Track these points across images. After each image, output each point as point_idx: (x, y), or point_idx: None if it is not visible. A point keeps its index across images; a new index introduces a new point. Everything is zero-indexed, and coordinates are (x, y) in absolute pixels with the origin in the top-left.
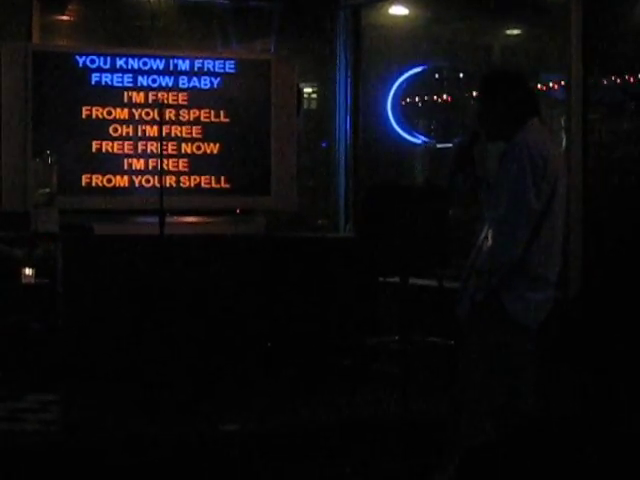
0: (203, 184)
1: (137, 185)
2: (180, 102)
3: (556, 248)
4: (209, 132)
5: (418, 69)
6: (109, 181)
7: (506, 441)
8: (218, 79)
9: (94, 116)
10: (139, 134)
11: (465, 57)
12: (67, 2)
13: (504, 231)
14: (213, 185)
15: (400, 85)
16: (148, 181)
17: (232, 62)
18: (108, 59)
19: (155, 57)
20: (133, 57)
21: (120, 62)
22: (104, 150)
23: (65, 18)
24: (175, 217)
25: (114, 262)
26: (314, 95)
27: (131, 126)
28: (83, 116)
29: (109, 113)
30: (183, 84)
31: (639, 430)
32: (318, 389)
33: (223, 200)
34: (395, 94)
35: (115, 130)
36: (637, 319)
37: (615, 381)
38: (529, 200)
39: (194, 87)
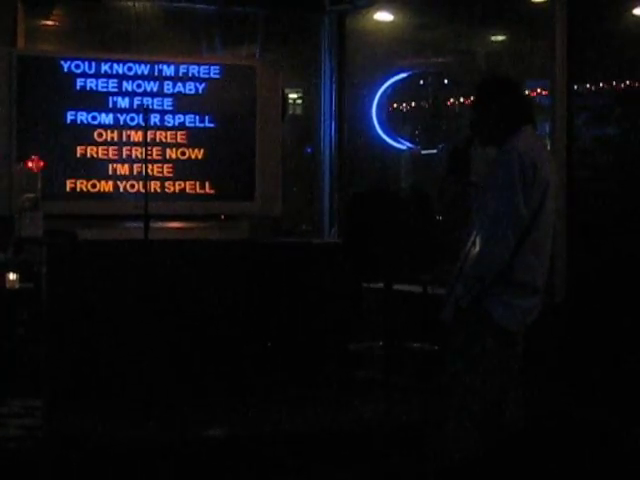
0: (188, 189)
1: (122, 190)
2: (165, 107)
3: (544, 255)
4: (194, 137)
5: (403, 75)
6: (94, 186)
7: (491, 453)
8: (203, 84)
9: (79, 121)
10: (124, 139)
11: (450, 63)
12: (52, 7)
13: (491, 237)
14: (198, 190)
15: (385, 91)
16: (133, 186)
17: (217, 67)
18: (93, 64)
19: (140, 62)
20: (118, 62)
21: (105, 67)
22: (89, 155)
23: (50, 23)
24: (160, 222)
25: (98, 267)
26: (299, 101)
27: (116, 131)
28: (68, 121)
29: (94, 118)
30: (168, 89)
31: (626, 438)
32: (301, 395)
33: (207, 205)
34: (380, 100)
35: (100, 135)
36: (623, 324)
37: (602, 387)
38: (517, 206)
39: (179, 92)
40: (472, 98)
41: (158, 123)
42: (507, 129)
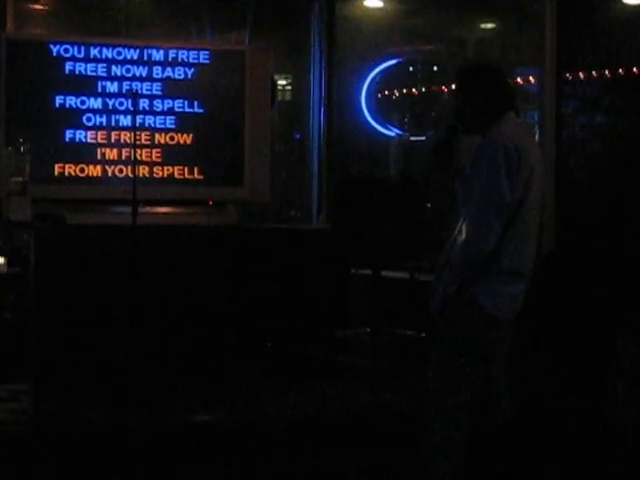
0: (176, 175)
1: (110, 175)
2: (154, 92)
3: (530, 242)
4: (183, 122)
5: (392, 62)
6: (82, 170)
7: (481, 440)
8: (192, 69)
9: (67, 105)
10: (112, 124)
11: (439, 50)
12: None
13: (477, 224)
14: (186, 176)
15: (374, 78)
16: (121, 171)
17: (206, 53)
18: (82, 48)
19: (129, 47)
20: (107, 46)
21: (94, 51)
22: (77, 139)
23: (39, 7)
24: (148, 207)
25: (86, 252)
26: (288, 87)
27: (104, 115)
28: (56, 105)
29: (82, 102)
30: (157, 74)
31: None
32: (288, 381)
33: (196, 191)
34: (369, 86)
35: (88, 119)
36: (608, 312)
37: (588, 375)
38: (502, 193)
39: (168, 77)
40: (454, 86)
41: (147, 108)
42: (490, 116)
